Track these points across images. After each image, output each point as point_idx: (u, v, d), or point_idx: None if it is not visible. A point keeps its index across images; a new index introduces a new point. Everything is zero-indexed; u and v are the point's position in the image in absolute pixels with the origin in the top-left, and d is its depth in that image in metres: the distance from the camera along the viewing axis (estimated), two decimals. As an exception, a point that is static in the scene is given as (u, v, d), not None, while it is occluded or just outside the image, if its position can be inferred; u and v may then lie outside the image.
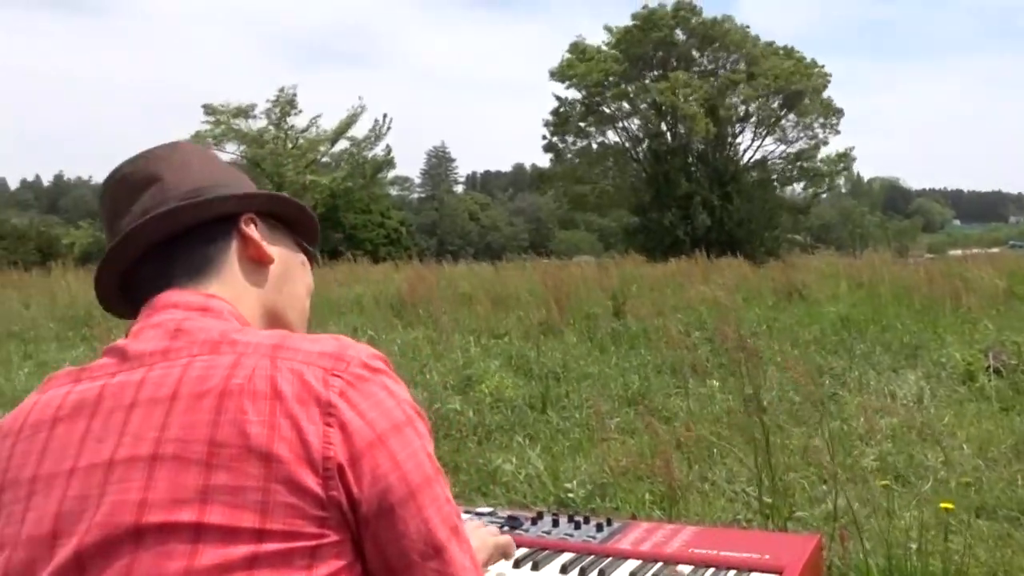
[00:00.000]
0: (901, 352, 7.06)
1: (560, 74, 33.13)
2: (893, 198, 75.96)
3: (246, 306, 1.04)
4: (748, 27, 33.18)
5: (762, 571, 1.26)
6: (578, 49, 33.27)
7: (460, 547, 0.94)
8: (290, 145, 31.35)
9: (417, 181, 70.61)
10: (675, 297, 10.71)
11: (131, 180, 1.07)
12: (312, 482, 0.85)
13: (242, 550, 0.82)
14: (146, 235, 1.03)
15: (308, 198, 29.98)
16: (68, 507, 0.84)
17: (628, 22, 33.15)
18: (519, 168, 66.22)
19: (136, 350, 0.94)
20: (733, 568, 1.28)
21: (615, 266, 14.85)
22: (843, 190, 53.37)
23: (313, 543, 0.84)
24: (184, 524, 0.82)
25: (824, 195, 38.93)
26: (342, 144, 32.18)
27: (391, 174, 37.39)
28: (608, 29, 33.72)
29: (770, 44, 33.20)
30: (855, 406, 5.37)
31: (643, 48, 32.44)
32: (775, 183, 34.27)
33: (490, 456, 4.45)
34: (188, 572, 0.81)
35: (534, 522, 1.51)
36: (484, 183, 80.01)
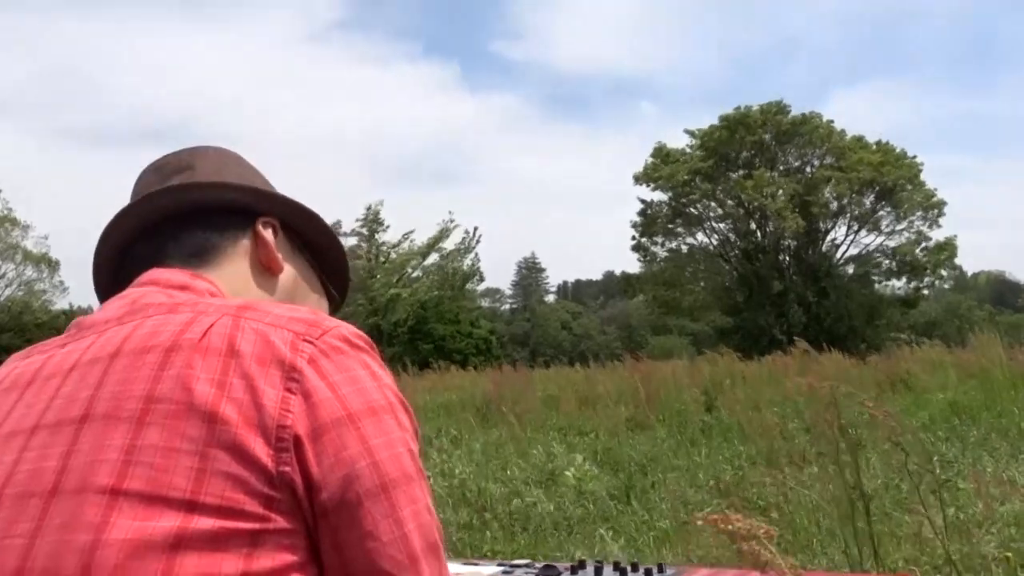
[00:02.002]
0: (1021, 438, 6.58)
1: (645, 176, 33.26)
2: (1001, 292, 72.83)
3: None
4: (832, 121, 32.93)
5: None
6: (662, 152, 33.47)
7: (438, 570, 0.77)
8: (382, 260, 32.10)
9: (508, 292, 71.20)
10: (771, 391, 10.27)
11: (165, 167, 1.00)
12: (261, 451, 0.70)
13: (164, 525, 0.67)
14: (152, 207, 0.94)
15: (398, 309, 30.50)
16: None
17: (711, 126, 33.32)
18: (609, 275, 66.12)
19: (92, 320, 0.85)
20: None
21: (707, 363, 14.43)
22: (947, 285, 51.49)
23: (256, 526, 0.69)
24: (99, 488, 0.69)
25: (927, 290, 37.53)
26: (433, 257, 32.81)
27: (482, 286, 37.87)
28: (690, 132, 33.90)
29: (859, 139, 32.79)
30: (971, 493, 4.95)
31: (728, 148, 32.43)
32: (874, 278, 33.27)
33: (570, 548, 4.19)
34: (96, 547, 0.66)
35: (574, 571, 1.31)
36: (575, 292, 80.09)
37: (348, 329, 0.81)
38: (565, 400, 10.19)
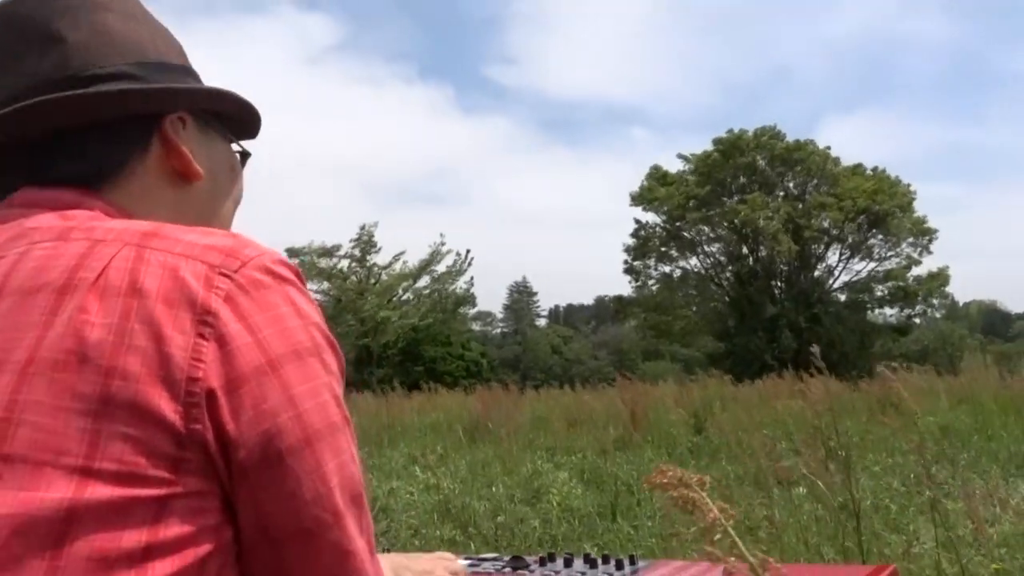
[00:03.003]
0: (1011, 461, 6.56)
1: (640, 198, 33.31)
2: (992, 321, 73.07)
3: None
4: (829, 148, 33.08)
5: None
6: (658, 173, 33.55)
7: (360, 524, 0.71)
8: (373, 281, 32.02)
9: (499, 316, 71.08)
10: (761, 413, 10.22)
11: (18, 23, 0.80)
12: (167, 409, 0.61)
13: (53, 496, 0.58)
14: (20, 126, 0.77)
15: (388, 331, 30.38)
16: None
17: (704, 151, 33.44)
18: (601, 300, 66.19)
19: None
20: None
21: (698, 386, 14.37)
22: (938, 314, 51.51)
23: (161, 492, 0.61)
24: None
25: (919, 318, 37.54)
26: (424, 280, 32.74)
27: (473, 310, 37.78)
28: (683, 157, 34.00)
29: (855, 166, 32.91)
30: (960, 513, 4.90)
31: (723, 172, 32.51)
32: (867, 304, 33.30)
33: (553, 565, 4.11)
34: None
35: (543, 562, 1.25)
36: (567, 316, 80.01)
37: (271, 257, 0.71)
38: (553, 421, 10.11)
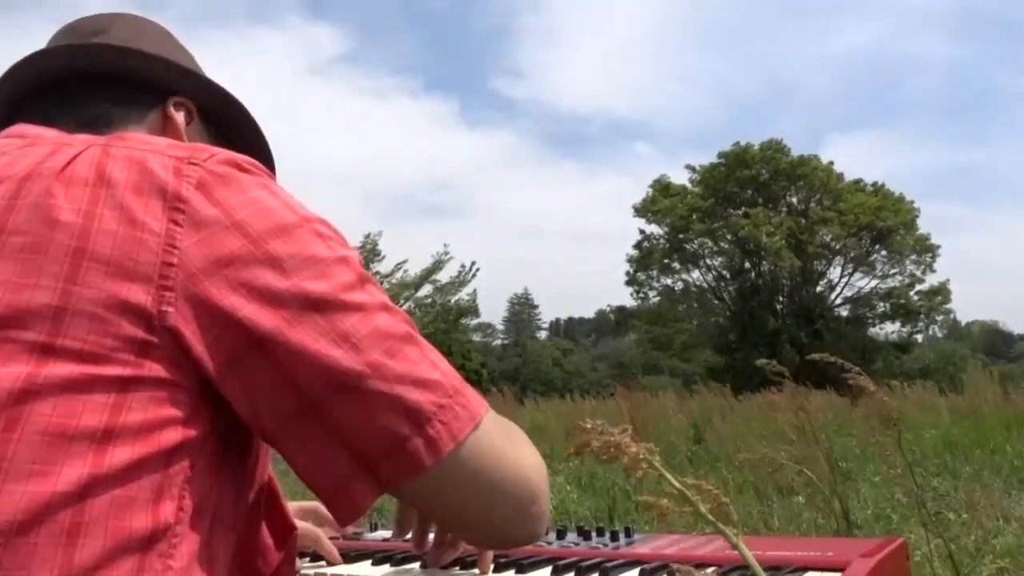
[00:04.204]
0: (1014, 475, 6.51)
1: (643, 209, 33.31)
2: (994, 342, 72.94)
3: None
4: (832, 163, 33.06)
5: (818, 568, 0.94)
6: (661, 184, 33.56)
7: (417, 355, 0.67)
8: (375, 289, 32.02)
9: (500, 328, 71.03)
10: (761, 425, 10.17)
11: (78, 29, 0.90)
12: (138, 291, 0.61)
13: (11, 372, 0.57)
14: (46, 65, 0.83)
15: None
16: None
17: (711, 163, 33.45)
18: (602, 314, 66.12)
19: None
20: (778, 566, 0.95)
21: (697, 398, 14.32)
22: (940, 334, 51.39)
23: (126, 372, 0.59)
24: None
25: (920, 335, 37.48)
26: (426, 289, 32.71)
27: (474, 321, 37.71)
28: (691, 168, 34.01)
29: (857, 181, 32.89)
30: (961, 524, 4.86)
31: (728, 185, 32.51)
32: (868, 320, 33.23)
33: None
34: None
35: (534, 536, 1.20)
36: (567, 329, 79.92)
37: (239, 154, 0.71)
38: (552, 429, 10.06)
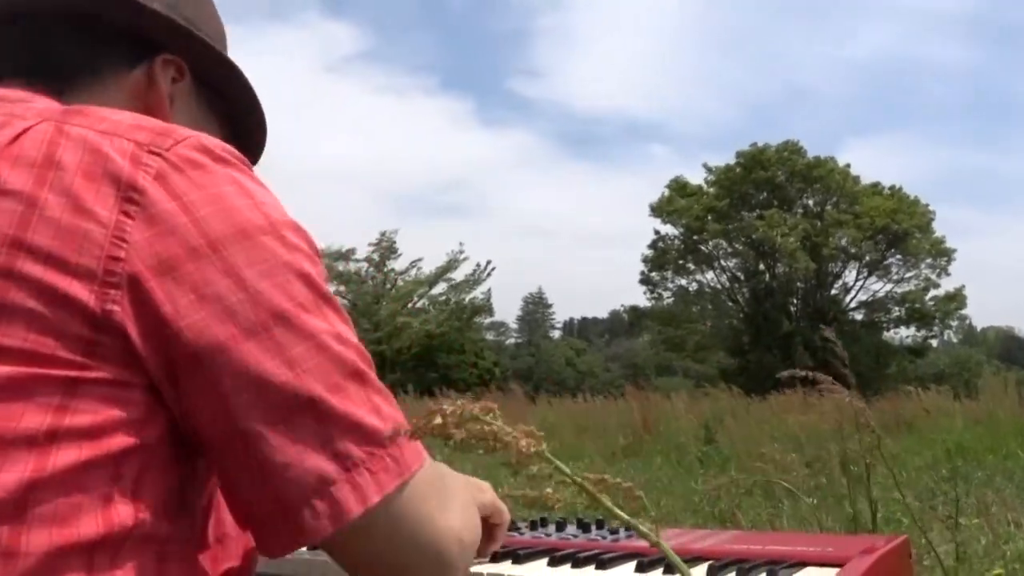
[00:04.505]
0: (1027, 481, 6.46)
1: (659, 209, 33.21)
2: (1010, 348, 72.30)
3: None
4: (849, 165, 32.86)
5: (816, 564, 0.93)
6: (678, 184, 33.45)
7: (363, 396, 0.62)
8: (388, 286, 32.06)
9: (513, 327, 71.00)
10: (773, 427, 10.13)
11: None
12: (81, 288, 0.56)
13: None
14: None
15: (403, 337, 30.37)
16: None
17: (727, 164, 33.31)
18: (615, 314, 66.06)
19: None
20: (776, 560, 0.94)
21: (709, 399, 14.27)
22: (955, 339, 51.02)
23: (71, 374, 0.56)
24: None
25: (935, 340, 37.23)
26: (440, 287, 32.76)
27: (488, 320, 37.72)
28: (707, 168, 33.89)
29: (874, 184, 32.69)
30: (973, 528, 4.82)
31: (743, 187, 32.37)
32: (883, 324, 33.03)
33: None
34: None
35: (534, 526, 1.20)
36: (581, 329, 79.83)
37: (211, 140, 0.64)
38: (562, 427, 10.05)
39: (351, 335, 0.64)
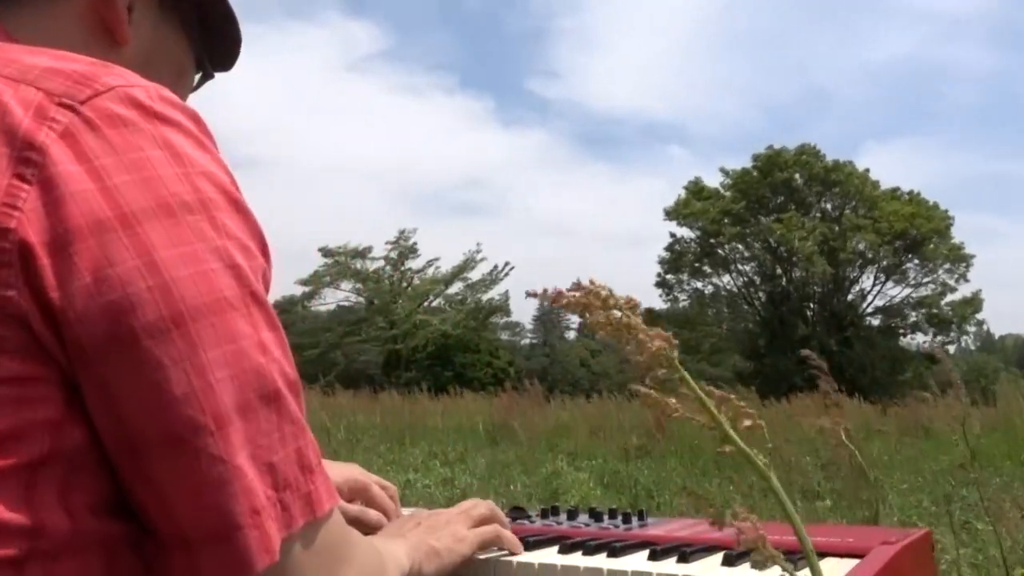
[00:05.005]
0: (1044, 487, 6.39)
1: (675, 212, 33.11)
2: (1028, 355, 71.67)
3: None
4: (868, 170, 32.66)
5: (837, 554, 0.90)
6: (696, 187, 33.33)
7: (273, 424, 0.53)
8: (405, 285, 32.12)
9: (529, 327, 70.99)
10: (788, 431, 10.07)
11: None
12: None
13: None
14: None
15: (418, 335, 30.43)
16: None
17: (744, 167, 33.19)
18: (631, 316, 65.75)
19: None
20: (795, 550, 0.92)
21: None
22: (973, 346, 50.64)
23: None
24: None
25: (952, 346, 36.95)
26: (456, 286, 32.81)
27: (503, 320, 37.71)
28: (724, 171, 33.77)
29: (893, 190, 32.47)
30: (990, 533, 4.77)
31: (761, 190, 32.23)
32: (899, 330, 32.82)
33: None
34: None
35: (544, 515, 1.18)
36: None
37: (148, 91, 0.54)
38: (576, 427, 10.05)
39: (277, 347, 0.54)
